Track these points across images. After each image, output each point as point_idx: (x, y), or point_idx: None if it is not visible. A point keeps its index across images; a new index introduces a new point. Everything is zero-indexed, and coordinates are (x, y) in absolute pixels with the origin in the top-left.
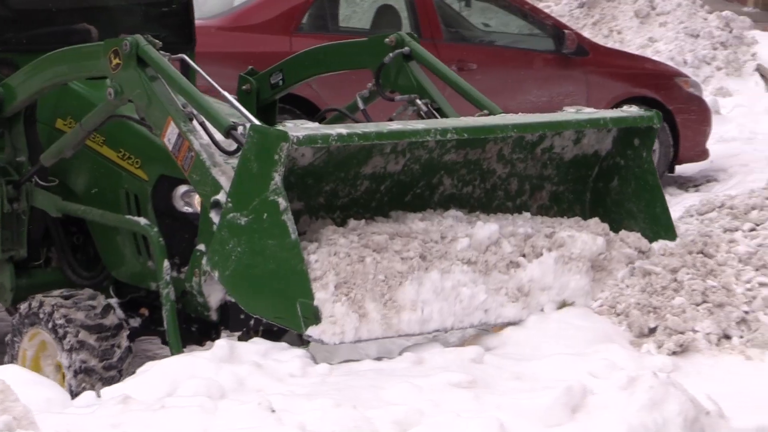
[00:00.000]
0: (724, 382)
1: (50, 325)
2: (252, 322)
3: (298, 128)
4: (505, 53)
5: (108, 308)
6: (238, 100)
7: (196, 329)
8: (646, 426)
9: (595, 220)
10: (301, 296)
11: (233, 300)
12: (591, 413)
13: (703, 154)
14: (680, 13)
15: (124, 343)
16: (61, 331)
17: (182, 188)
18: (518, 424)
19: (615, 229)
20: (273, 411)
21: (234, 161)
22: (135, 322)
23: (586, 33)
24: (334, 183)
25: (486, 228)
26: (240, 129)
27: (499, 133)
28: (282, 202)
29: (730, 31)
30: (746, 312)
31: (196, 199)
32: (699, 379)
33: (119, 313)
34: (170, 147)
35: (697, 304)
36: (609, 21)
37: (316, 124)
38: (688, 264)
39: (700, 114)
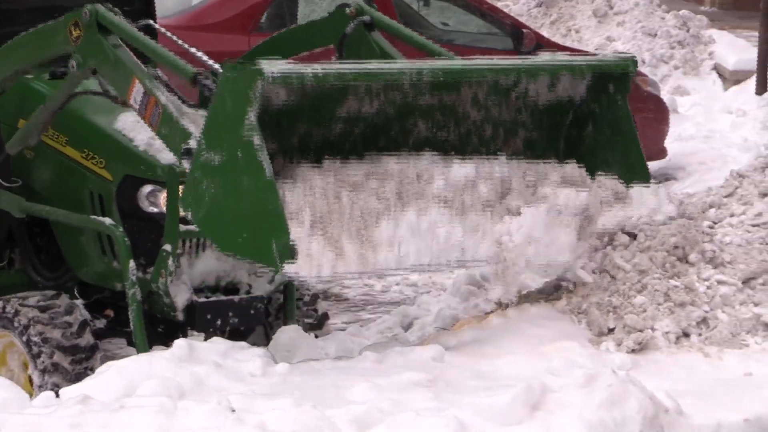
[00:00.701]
0: (683, 380)
1: (24, 338)
2: (219, 322)
3: (274, 65)
4: (463, 52)
5: (84, 325)
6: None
7: (162, 330)
8: (605, 424)
9: (572, 164)
10: (277, 233)
11: (199, 300)
12: (550, 411)
13: (661, 153)
14: (638, 12)
15: (97, 365)
16: (35, 349)
17: (147, 188)
18: (478, 423)
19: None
20: (233, 411)
21: (202, 112)
22: (100, 324)
23: (544, 32)
24: (308, 124)
25: (462, 168)
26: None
27: (474, 77)
28: (257, 140)
29: (688, 30)
30: (706, 311)
31: (162, 198)
32: (658, 376)
33: (86, 315)
34: (137, 107)
35: (659, 304)
36: (567, 20)
37: (291, 62)
38: (657, 263)
39: (658, 113)
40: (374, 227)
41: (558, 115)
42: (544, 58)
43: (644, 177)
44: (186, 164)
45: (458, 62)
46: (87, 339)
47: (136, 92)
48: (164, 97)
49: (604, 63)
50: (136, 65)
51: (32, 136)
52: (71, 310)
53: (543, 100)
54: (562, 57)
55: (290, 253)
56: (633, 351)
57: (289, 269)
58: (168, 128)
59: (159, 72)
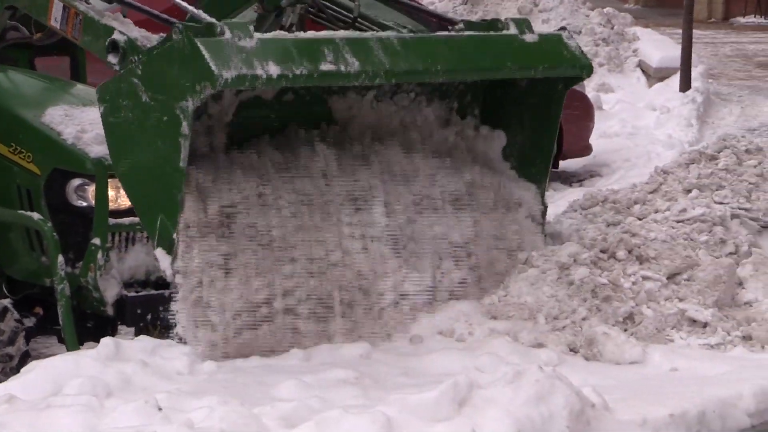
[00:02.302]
0: (610, 376)
1: None
2: (149, 317)
3: (230, 63)
4: None
5: (25, 357)
6: None
7: (92, 326)
8: (532, 419)
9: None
10: (166, 216)
11: (129, 294)
12: (477, 407)
13: (586, 150)
14: (562, 9)
15: None
16: None
17: (76, 182)
18: (405, 419)
19: (499, 124)
20: (160, 409)
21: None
22: (30, 322)
23: None
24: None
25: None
26: None
27: (427, 79)
28: (185, 128)
29: (612, 28)
30: (632, 306)
31: (91, 192)
32: (585, 372)
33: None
34: (58, 25)
35: (585, 300)
36: (492, 17)
37: (256, 38)
38: (585, 261)
39: (583, 110)
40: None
41: None
42: (507, 39)
43: (542, 170)
44: (112, 59)
45: (416, 57)
46: None
47: (56, 11)
48: (83, 6)
49: (560, 68)
50: None
51: None
52: (14, 339)
53: None
54: (527, 43)
55: (168, 247)
56: (562, 348)
57: (162, 260)
58: (91, 32)
59: None
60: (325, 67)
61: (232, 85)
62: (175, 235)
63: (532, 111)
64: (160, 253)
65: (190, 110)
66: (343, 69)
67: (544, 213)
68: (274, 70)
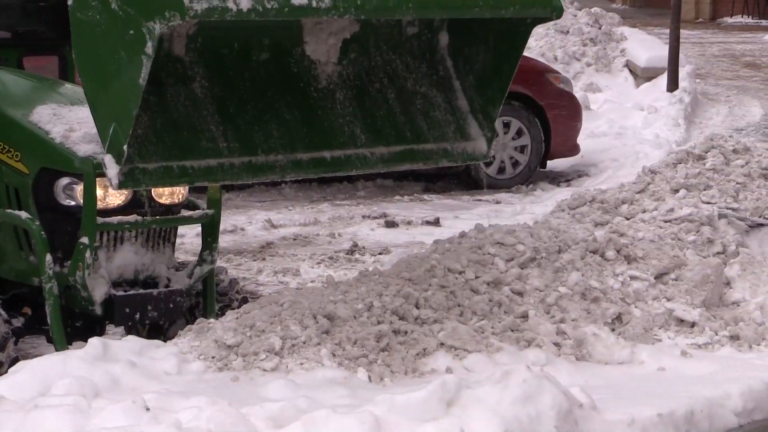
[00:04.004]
0: (597, 375)
1: None
2: (137, 316)
3: None
4: None
5: (14, 363)
6: None
7: (80, 325)
8: (519, 419)
9: None
10: (120, 127)
11: (117, 293)
12: (465, 407)
13: (574, 150)
14: None
15: None
16: None
17: (64, 180)
18: (393, 419)
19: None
20: (148, 409)
21: None
22: (18, 322)
23: None
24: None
25: None
26: None
27: (398, 15)
28: (149, 49)
29: (600, 28)
30: (620, 307)
31: (79, 191)
32: (572, 372)
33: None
34: None
35: (576, 301)
36: None
37: None
38: (576, 264)
39: (571, 110)
40: None
41: None
42: None
43: (498, 94)
44: None
45: None
46: None
47: None
48: None
49: (531, 10)
50: None
51: None
52: (4, 345)
53: None
54: None
55: (118, 156)
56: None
57: (110, 170)
58: None
59: None
60: (297, 1)
61: (202, 17)
62: (125, 147)
63: (497, 36)
64: (108, 159)
65: (157, 33)
66: (314, 4)
67: (490, 140)
68: (245, 3)
